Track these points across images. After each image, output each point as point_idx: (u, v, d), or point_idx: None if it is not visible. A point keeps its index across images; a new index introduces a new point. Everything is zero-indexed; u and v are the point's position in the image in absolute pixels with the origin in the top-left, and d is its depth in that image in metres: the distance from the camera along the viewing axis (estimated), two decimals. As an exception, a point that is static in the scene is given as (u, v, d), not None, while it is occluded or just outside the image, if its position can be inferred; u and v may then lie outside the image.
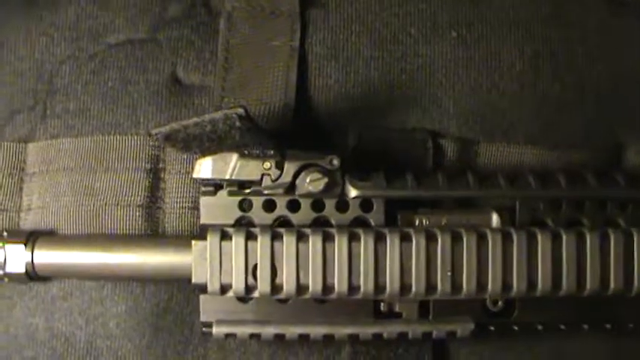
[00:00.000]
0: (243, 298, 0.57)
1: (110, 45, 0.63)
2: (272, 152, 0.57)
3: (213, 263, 0.56)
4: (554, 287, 0.56)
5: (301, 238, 0.56)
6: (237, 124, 0.53)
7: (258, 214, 0.57)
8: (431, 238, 0.56)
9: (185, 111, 0.62)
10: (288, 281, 0.55)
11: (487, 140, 0.62)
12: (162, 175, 0.61)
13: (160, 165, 0.61)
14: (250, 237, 0.56)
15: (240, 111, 0.52)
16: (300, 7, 0.63)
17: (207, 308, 0.58)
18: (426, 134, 0.62)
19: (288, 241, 0.56)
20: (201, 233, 0.57)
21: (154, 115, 0.62)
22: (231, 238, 0.56)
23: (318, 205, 0.57)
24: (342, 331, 0.57)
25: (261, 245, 0.56)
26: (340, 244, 0.55)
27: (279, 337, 0.57)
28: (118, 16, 0.63)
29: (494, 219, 0.58)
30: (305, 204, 0.57)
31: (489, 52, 0.63)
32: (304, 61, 0.62)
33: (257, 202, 0.57)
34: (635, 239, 0.57)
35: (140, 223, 0.61)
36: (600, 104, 0.63)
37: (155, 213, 0.61)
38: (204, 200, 0.58)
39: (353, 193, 0.57)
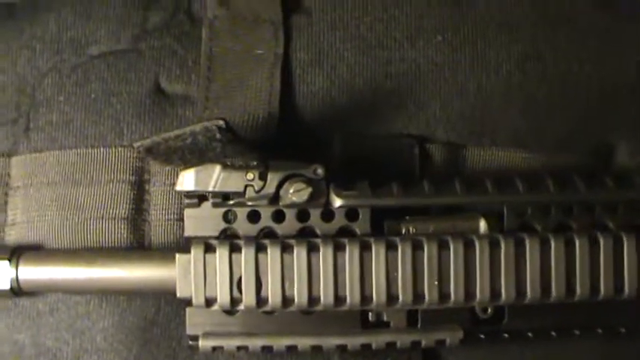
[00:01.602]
0: (230, 311, 0.57)
1: (92, 56, 0.63)
2: (255, 163, 0.56)
3: (197, 276, 0.55)
4: (544, 294, 0.55)
5: (286, 249, 0.55)
6: (218, 136, 0.52)
7: (242, 226, 0.57)
8: (417, 247, 0.55)
9: (169, 121, 0.62)
10: (273, 293, 0.55)
11: (475, 144, 0.62)
12: (147, 187, 0.61)
13: (145, 177, 0.61)
14: (234, 249, 0.55)
15: (221, 123, 0.51)
16: (283, 13, 0.62)
17: (194, 321, 0.57)
18: (412, 140, 0.61)
19: (273, 253, 0.55)
20: (185, 246, 0.56)
21: (138, 127, 0.61)
22: (215, 251, 0.55)
23: (303, 215, 0.57)
24: (330, 341, 0.57)
25: (246, 257, 0.55)
26: (325, 255, 0.55)
27: (267, 349, 0.57)
28: (99, 27, 0.63)
29: (482, 225, 0.57)
30: (290, 214, 0.57)
31: (476, 55, 0.62)
32: (288, 68, 0.62)
33: (241, 213, 0.57)
34: (624, 243, 0.56)
35: (125, 235, 0.60)
36: (589, 105, 0.62)
37: (140, 225, 0.60)
38: (188, 212, 0.57)
39: (338, 202, 0.56)
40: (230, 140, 0.52)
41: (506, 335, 0.58)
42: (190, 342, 0.57)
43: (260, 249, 0.55)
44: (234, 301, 0.55)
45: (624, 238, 0.56)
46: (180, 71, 0.62)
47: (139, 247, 0.61)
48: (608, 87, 0.62)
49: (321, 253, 0.55)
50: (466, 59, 0.62)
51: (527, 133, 0.62)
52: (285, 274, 0.55)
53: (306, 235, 0.57)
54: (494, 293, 0.55)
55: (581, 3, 0.63)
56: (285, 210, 0.57)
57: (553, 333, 0.58)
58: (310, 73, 0.62)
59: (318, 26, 0.62)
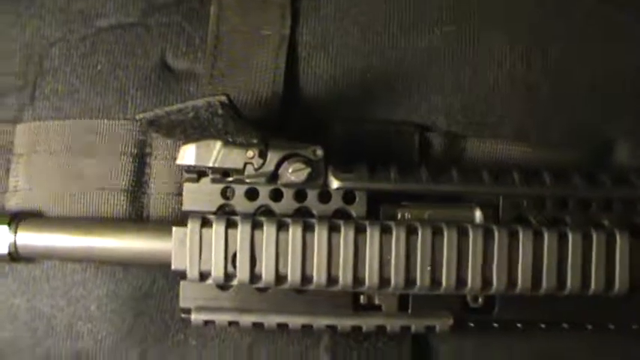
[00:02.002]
0: (223, 286, 0.57)
1: (100, 28, 0.63)
2: (256, 141, 0.56)
3: (192, 250, 0.56)
4: (535, 285, 0.56)
5: (282, 227, 0.56)
6: (220, 111, 0.53)
7: (240, 203, 0.57)
8: (412, 232, 0.56)
9: (173, 97, 0.62)
10: (267, 270, 0.55)
11: (475, 135, 0.62)
12: (148, 161, 0.61)
13: (147, 150, 0.62)
14: (231, 225, 0.56)
15: (223, 98, 0.52)
16: None
17: (187, 295, 0.58)
18: (413, 128, 0.61)
19: (269, 230, 0.55)
20: (182, 220, 0.57)
21: (142, 100, 0.62)
22: (211, 226, 0.56)
23: (300, 195, 0.57)
24: (321, 321, 0.57)
25: (242, 233, 0.56)
26: (320, 235, 0.55)
27: (258, 326, 0.58)
28: (108, 0, 0.63)
29: (478, 215, 0.58)
30: (287, 194, 0.57)
31: (480, 48, 0.62)
32: (294, 50, 0.62)
33: (240, 190, 0.57)
34: (617, 240, 0.56)
35: (125, 207, 0.61)
36: (591, 102, 0.63)
37: (140, 198, 0.61)
38: (187, 187, 0.58)
39: (335, 184, 0.57)
40: (232, 116, 0.53)
41: (495, 325, 0.58)
42: (183, 315, 0.58)
43: (256, 226, 0.56)
44: (228, 276, 0.56)
45: (617, 235, 0.57)
46: (187, 48, 0.63)
47: (137, 219, 0.61)
48: (612, 83, 0.63)
49: (316, 232, 0.55)
50: (470, 51, 0.62)
51: (529, 126, 0.62)
52: (280, 252, 0.55)
53: (302, 215, 0.57)
54: (486, 282, 0.56)
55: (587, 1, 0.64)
56: (283, 189, 0.57)
57: (542, 325, 0.58)
58: (315, 56, 0.62)
59: (325, 11, 0.63)
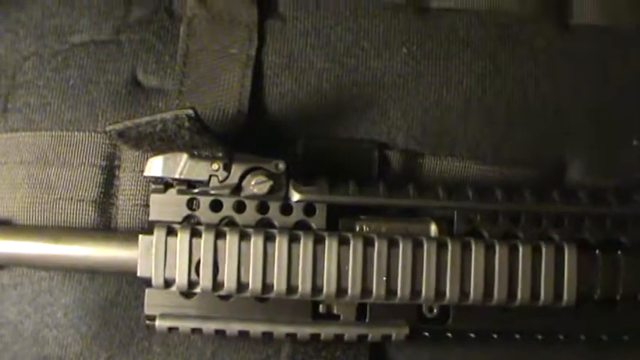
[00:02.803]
0: (187, 294, 0.59)
1: (73, 44, 0.65)
2: (221, 154, 0.59)
3: (158, 258, 0.58)
4: (486, 296, 0.58)
5: (244, 237, 0.58)
6: (186, 124, 0.55)
7: (205, 214, 0.59)
8: (368, 243, 0.58)
9: (142, 111, 0.64)
10: (229, 278, 0.57)
11: (432, 153, 0.65)
12: (116, 173, 0.63)
13: (116, 162, 0.64)
14: (195, 234, 0.58)
15: (190, 112, 0.54)
16: (258, 17, 0.65)
17: (152, 302, 0.59)
18: (372, 145, 0.64)
19: (231, 240, 0.58)
20: (149, 229, 0.59)
21: (112, 114, 0.64)
22: (176, 234, 0.58)
23: (262, 207, 0.60)
24: (281, 330, 0.59)
25: (205, 242, 0.58)
26: (281, 245, 0.58)
27: (220, 333, 0.59)
28: (82, 17, 0.66)
29: (433, 228, 0.60)
30: (250, 205, 0.59)
31: (438, 69, 0.65)
32: (260, 69, 0.65)
33: (204, 201, 0.59)
34: (565, 253, 0.59)
35: (93, 218, 0.63)
36: (545, 122, 0.66)
37: (108, 209, 0.63)
38: (153, 198, 0.60)
39: (296, 197, 0.59)
40: (198, 129, 0.55)
41: (449, 335, 0.61)
42: (148, 322, 0.59)
43: (219, 235, 0.58)
44: (192, 284, 0.58)
45: (566, 249, 0.59)
46: (157, 65, 0.65)
47: (104, 229, 0.63)
48: (564, 106, 0.66)
49: (277, 243, 0.58)
50: (428, 72, 0.65)
51: (484, 146, 0.65)
52: (242, 261, 0.58)
53: (264, 226, 0.59)
54: (439, 292, 0.58)
55: (543, 25, 0.67)
56: (246, 201, 0.59)
57: (495, 336, 0.61)
58: (280, 75, 0.65)
59: (290, 32, 0.65)
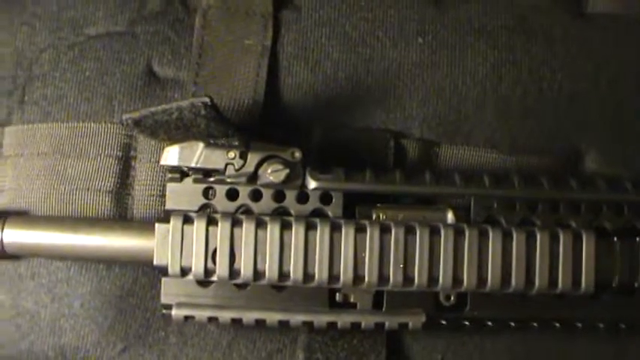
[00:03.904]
0: (203, 282, 0.59)
1: (89, 36, 0.66)
2: (237, 143, 0.59)
3: (174, 246, 0.58)
4: (504, 283, 0.58)
5: (260, 225, 0.58)
6: (203, 112, 0.55)
7: (221, 202, 0.59)
8: (385, 231, 0.58)
9: (158, 102, 0.64)
10: (245, 266, 0.57)
11: (448, 142, 0.64)
12: (132, 163, 0.64)
13: (131, 153, 0.64)
14: (211, 222, 0.58)
15: (206, 100, 0.54)
16: (273, 8, 0.65)
17: (168, 291, 0.59)
18: (388, 134, 0.64)
19: (247, 228, 0.58)
20: (165, 218, 0.59)
21: (128, 105, 0.64)
22: (193, 223, 0.58)
23: (279, 195, 0.60)
24: (298, 318, 0.59)
25: (221, 231, 0.58)
26: (297, 233, 0.57)
27: (237, 322, 0.59)
28: (98, 9, 0.66)
29: (450, 216, 0.60)
30: (266, 194, 0.59)
31: (454, 58, 0.65)
32: (275, 60, 0.65)
33: (221, 190, 0.59)
34: (583, 240, 0.59)
35: (109, 208, 0.63)
36: (560, 112, 0.65)
37: (124, 199, 0.63)
38: (170, 187, 0.60)
39: (312, 184, 0.59)
40: (214, 118, 0.55)
41: (467, 323, 0.60)
42: (164, 311, 0.59)
43: (235, 223, 0.58)
44: (208, 272, 0.58)
45: (583, 236, 0.59)
46: (172, 56, 0.65)
47: (121, 219, 0.63)
48: (580, 96, 0.65)
49: (293, 230, 0.57)
50: (444, 62, 0.65)
51: (500, 135, 0.65)
52: (258, 249, 0.58)
53: (280, 214, 0.59)
54: (457, 280, 0.58)
55: (559, 14, 0.67)
56: (262, 189, 0.59)
57: (512, 324, 0.60)
58: (296, 65, 0.65)
59: (306, 22, 0.66)
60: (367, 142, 0.64)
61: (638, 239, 0.60)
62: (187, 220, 0.58)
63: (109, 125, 0.64)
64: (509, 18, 0.66)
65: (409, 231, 0.58)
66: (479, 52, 0.66)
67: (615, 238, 0.60)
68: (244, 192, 0.59)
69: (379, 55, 0.65)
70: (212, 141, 0.59)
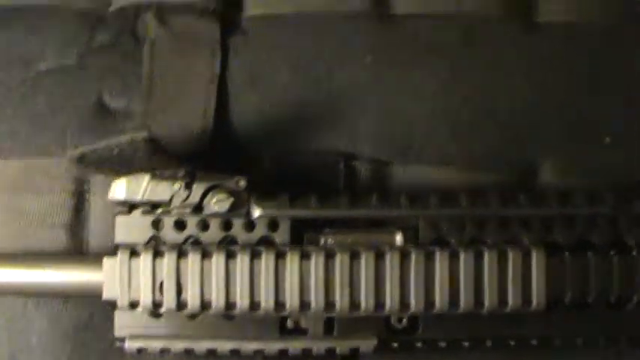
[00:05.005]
0: (155, 314, 0.59)
1: (40, 71, 0.66)
2: (182, 174, 0.59)
3: (122, 280, 0.58)
4: (452, 305, 0.58)
5: (205, 255, 0.58)
6: (142, 147, 0.55)
7: (169, 233, 0.60)
8: (330, 256, 0.58)
9: (110, 134, 0.64)
10: (192, 297, 0.58)
11: (399, 162, 0.64)
12: (86, 197, 0.64)
13: (85, 187, 0.64)
14: (158, 254, 0.58)
15: (145, 134, 0.55)
16: (221, 34, 0.65)
17: (121, 323, 0.60)
18: (338, 156, 0.64)
19: (193, 259, 0.58)
20: (114, 251, 0.59)
21: (80, 139, 0.65)
22: (139, 256, 0.58)
23: (226, 224, 0.60)
24: (249, 346, 0.59)
25: (168, 263, 0.58)
26: (242, 262, 0.58)
27: (189, 352, 0.59)
28: (48, 44, 0.67)
29: (398, 238, 0.60)
30: (214, 223, 0.60)
31: (402, 76, 0.65)
32: (224, 86, 0.65)
33: (168, 221, 0.60)
34: (533, 257, 0.58)
35: (65, 242, 0.64)
36: (513, 125, 0.65)
37: (80, 232, 0.64)
38: (118, 220, 0.60)
39: (257, 212, 0.59)
40: (155, 151, 0.56)
41: (419, 345, 0.60)
42: (118, 344, 0.60)
43: (181, 255, 0.58)
44: (156, 304, 0.58)
45: (533, 253, 0.58)
46: (123, 88, 0.65)
47: (76, 253, 0.64)
48: (532, 107, 0.65)
49: (238, 260, 0.58)
50: (393, 80, 0.65)
51: (452, 151, 0.64)
52: (205, 279, 0.58)
53: (228, 243, 0.59)
54: (404, 303, 0.58)
55: (509, 25, 0.66)
56: (209, 219, 0.59)
57: (466, 344, 0.60)
58: (245, 91, 0.65)
59: (254, 47, 0.66)
60: (318, 165, 0.64)
61: (590, 253, 0.59)
62: (134, 253, 0.59)
63: (62, 160, 0.64)
64: (458, 32, 0.66)
65: (354, 256, 0.58)
66: (428, 69, 0.65)
67: (567, 254, 0.59)
68: (192, 222, 0.60)
69: (328, 77, 0.65)
70: (158, 173, 0.59)
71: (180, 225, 0.60)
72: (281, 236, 0.60)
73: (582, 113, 0.65)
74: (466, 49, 0.66)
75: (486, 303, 0.58)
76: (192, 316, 0.60)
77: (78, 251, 0.64)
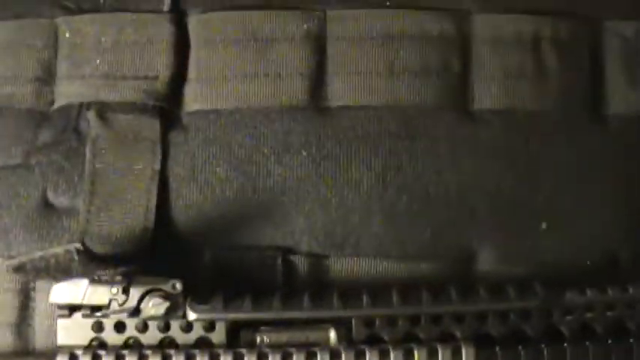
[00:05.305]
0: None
1: None
2: (119, 278, 0.60)
3: (63, 384, 0.60)
4: (384, 403, 0.59)
5: (142, 359, 0.59)
6: (76, 257, 0.57)
7: (110, 335, 0.61)
8: (262, 358, 0.59)
9: (54, 232, 0.66)
10: (129, 401, 0.59)
11: (337, 255, 0.65)
12: (32, 295, 0.66)
13: (31, 285, 0.66)
14: (96, 358, 0.60)
15: (78, 245, 0.57)
16: (161, 131, 0.67)
17: None
18: (277, 251, 0.65)
19: (130, 362, 0.59)
20: (54, 354, 0.61)
21: (25, 238, 0.66)
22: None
23: (165, 326, 0.61)
24: None
25: (106, 367, 0.59)
26: (178, 365, 0.59)
27: None
28: None
29: (332, 336, 0.61)
30: (152, 325, 0.61)
31: (338, 169, 0.66)
32: (165, 182, 0.66)
33: (109, 323, 0.61)
34: (463, 352, 0.59)
35: (11, 341, 0.65)
36: (449, 213, 0.66)
37: (25, 331, 0.65)
38: (60, 323, 0.62)
39: (192, 316, 0.60)
40: (89, 260, 0.57)
41: None
42: None
43: (119, 358, 0.59)
44: (97, 408, 0.60)
45: (463, 349, 0.60)
46: (66, 185, 0.67)
47: (22, 352, 0.65)
48: (468, 195, 0.66)
49: (173, 363, 0.59)
50: (329, 173, 0.66)
51: (389, 242, 0.65)
52: (143, 383, 0.59)
53: (167, 344, 0.61)
54: (336, 402, 0.59)
55: (444, 113, 0.67)
56: (148, 321, 0.61)
57: None
58: (185, 187, 0.66)
59: (194, 143, 0.67)
60: (256, 261, 0.65)
61: (520, 347, 0.61)
62: (73, 357, 0.60)
63: (7, 260, 0.65)
64: (393, 122, 0.67)
65: (286, 356, 0.59)
66: (363, 161, 0.66)
67: (497, 347, 0.60)
68: (131, 324, 0.61)
69: (265, 172, 0.66)
70: (96, 277, 0.61)
71: (120, 327, 0.61)
72: (217, 337, 0.61)
73: (518, 200, 0.67)
74: (402, 140, 0.67)
75: (417, 402, 0.59)
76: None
77: (24, 349, 0.65)
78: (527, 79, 0.68)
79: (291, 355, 0.59)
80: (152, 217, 0.65)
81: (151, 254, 0.65)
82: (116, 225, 0.65)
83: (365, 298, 0.61)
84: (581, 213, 0.67)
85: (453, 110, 0.68)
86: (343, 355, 0.59)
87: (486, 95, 0.68)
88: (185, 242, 0.66)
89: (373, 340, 0.61)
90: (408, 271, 0.65)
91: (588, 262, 0.67)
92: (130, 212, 0.65)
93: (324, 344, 0.61)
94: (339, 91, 0.67)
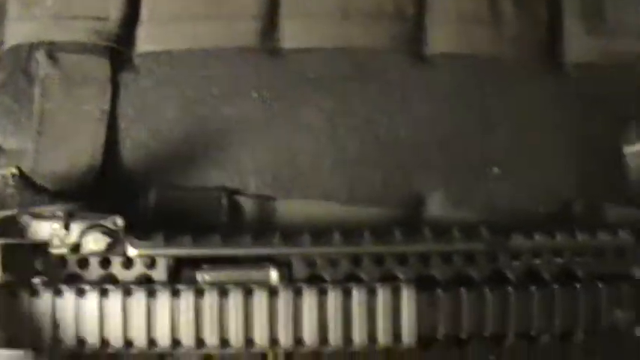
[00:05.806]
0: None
1: None
2: (60, 213, 0.60)
3: (1, 318, 0.60)
4: (321, 342, 0.58)
5: (81, 294, 0.59)
6: (11, 182, 0.57)
7: (51, 271, 0.61)
8: (199, 294, 0.59)
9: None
10: (67, 336, 0.59)
11: (284, 197, 0.65)
12: None
13: None
14: (35, 293, 0.59)
15: (14, 170, 0.56)
16: (111, 71, 0.67)
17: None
18: (222, 192, 0.64)
19: (68, 297, 0.59)
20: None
21: (-26, 179, 0.66)
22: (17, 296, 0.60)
23: (105, 262, 0.61)
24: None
25: (43, 302, 0.59)
26: (115, 300, 0.59)
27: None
28: None
29: (273, 275, 0.61)
30: (94, 261, 0.61)
31: (288, 111, 0.66)
32: (114, 122, 0.66)
33: (50, 259, 0.61)
34: (403, 293, 0.59)
35: None
36: (399, 158, 0.65)
37: None
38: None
39: (132, 252, 0.60)
40: (24, 187, 0.57)
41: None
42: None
43: (57, 293, 0.59)
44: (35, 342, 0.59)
45: (403, 290, 0.59)
46: (15, 127, 0.67)
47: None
48: (419, 140, 0.65)
49: (110, 297, 0.59)
50: (279, 115, 0.65)
51: (337, 186, 0.65)
52: (79, 318, 0.59)
53: (109, 280, 0.61)
54: (273, 340, 0.58)
55: (397, 58, 0.66)
56: (89, 257, 0.61)
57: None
58: (134, 127, 0.66)
59: (144, 83, 0.67)
60: (201, 201, 0.65)
61: (462, 288, 0.60)
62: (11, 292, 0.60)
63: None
64: (346, 66, 0.66)
65: (223, 293, 0.59)
66: (314, 104, 0.66)
67: (438, 289, 0.60)
68: (72, 260, 0.61)
69: (214, 113, 0.66)
70: (37, 211, 0.60)
71: (61, 263, 0.61)
72: (158, 274, 0.61)
73: (469, 145, 0.66)
74: (353, 83, 0.66)
75: (356, 339, 0.58)
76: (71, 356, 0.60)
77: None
78: (482, 24, 0.67)
79: (227, 292, 0.59)
80: (99, 156, 0.65)
81: (98, 193, 0.64)
82: (63, 164, 0.65)
83: (306, 237, 0.60)
84: (535, 160, 0.66)
85: (406, 54, 0.67)
86: (281, 294, 0.58)
87: (440, 39, 0.67)
88: (132, 182, 0.65)
89: (314, 280, 0.60)
90: (356, 215, 0.65)
91: (541, 210, 0.65)
92: (77, 152, 0.65)
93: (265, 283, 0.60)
94: (291, 33, 0.67)
